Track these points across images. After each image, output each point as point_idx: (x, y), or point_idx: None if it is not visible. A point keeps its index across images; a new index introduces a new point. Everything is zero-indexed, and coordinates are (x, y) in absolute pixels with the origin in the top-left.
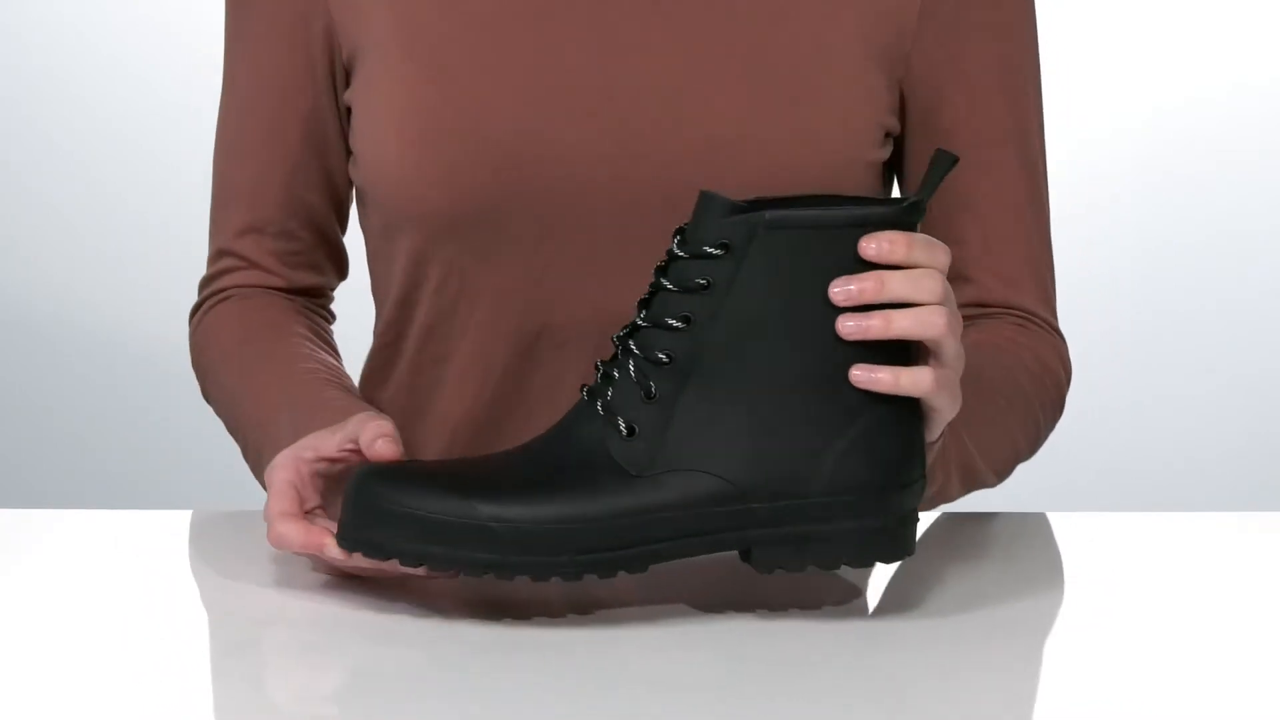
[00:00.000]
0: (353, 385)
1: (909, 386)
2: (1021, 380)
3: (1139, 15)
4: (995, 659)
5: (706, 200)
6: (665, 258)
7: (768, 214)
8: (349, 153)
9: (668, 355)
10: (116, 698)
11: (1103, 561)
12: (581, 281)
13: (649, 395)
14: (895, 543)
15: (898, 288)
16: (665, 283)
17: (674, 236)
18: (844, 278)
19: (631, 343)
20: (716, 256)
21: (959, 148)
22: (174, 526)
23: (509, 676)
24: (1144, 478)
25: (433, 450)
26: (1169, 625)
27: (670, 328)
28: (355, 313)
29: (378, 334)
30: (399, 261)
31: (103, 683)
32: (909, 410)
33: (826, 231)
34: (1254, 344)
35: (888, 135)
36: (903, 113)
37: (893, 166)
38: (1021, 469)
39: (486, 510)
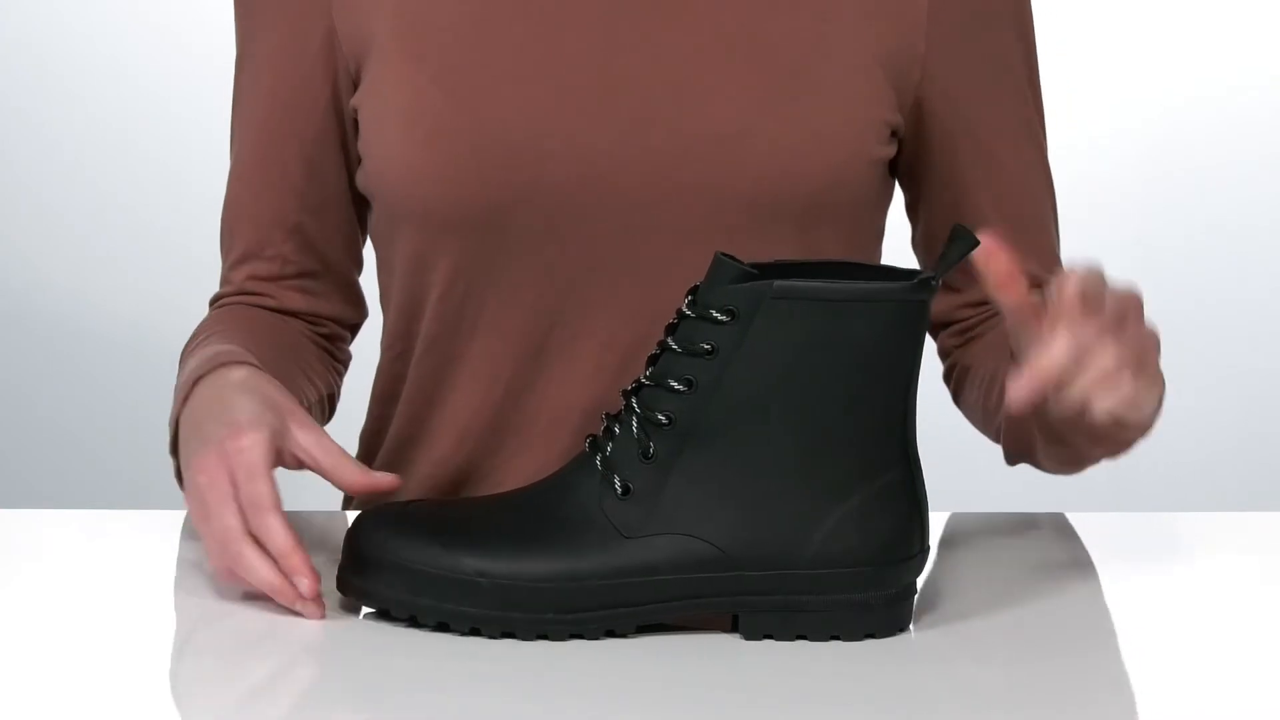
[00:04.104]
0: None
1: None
2: None
3: (1139, 14)
4: (995, 658)
5: (718, 264)
6: (676, 316)
7: (775, 283)
8: (357, 166)
9: (668, 417)
10: (116, 697)
11: (1103, 561)
12: (589, 277)
13: (647, 455)
14: (889, 619)
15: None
16: (672, 343)
17: (686, 296)
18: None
19: (635, 400)
20: (722, 322)
21: (977, 147)
22: (174, 527)
23: (506, 677)
24: (1144, 478)
25: (443, 449)
26: (1169, 625)
27: (673, 390)
28: (364, 325)
29: (385, 346)
30: (406, 264)
31: (102, 682)
32: (909, 484)
33: (834, 304)
34: (1253, 344)
35: (893, 134)
36: (919, 117)
37: (903, 171)
38: (1021, 470)
39: (473, 564)
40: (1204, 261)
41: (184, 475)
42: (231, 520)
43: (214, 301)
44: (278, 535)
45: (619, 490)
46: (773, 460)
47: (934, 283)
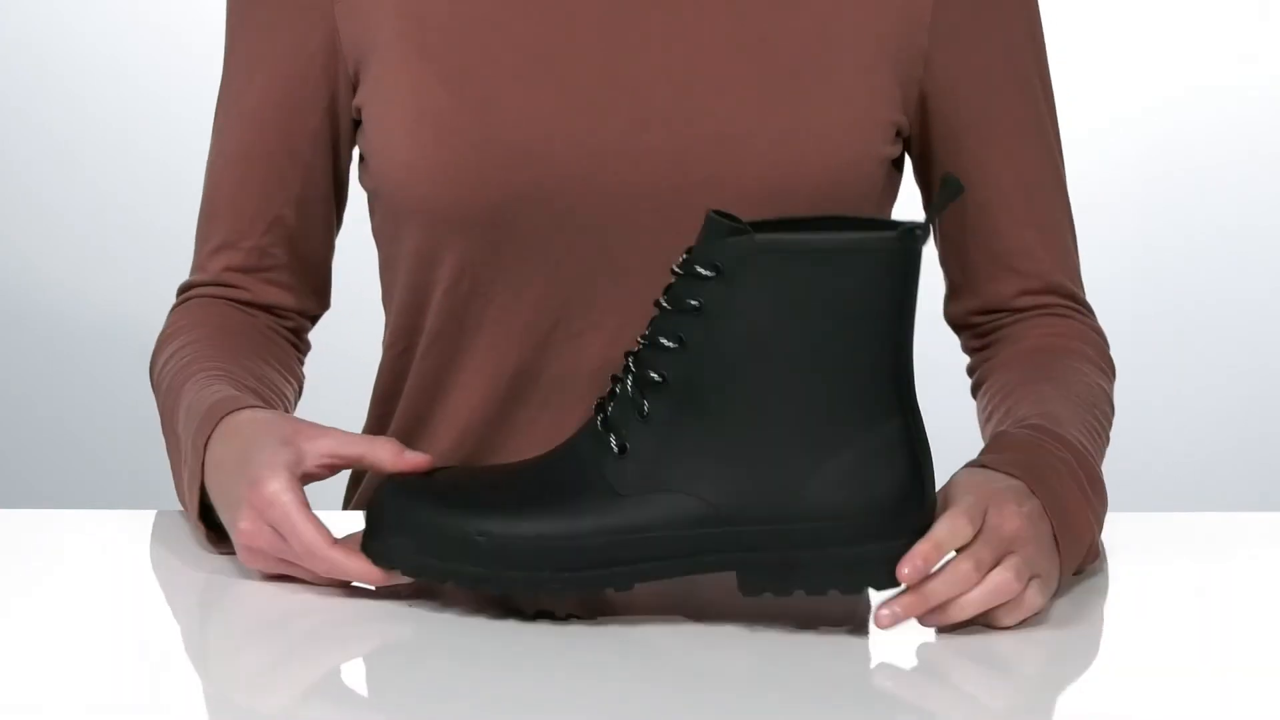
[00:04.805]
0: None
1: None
2: (1103, 405)
3: (1139, 13)
4: (996, 657)
5: (710, 222)
6: (671, 276)
7: (759, 237)
8: (347, 167)
9: (661, 375)
10: (116, 696)
11: (1103, 561)
12: (594, 274)
13: (642, 414)
14: (888, 572)
15: (941, 591)
16: (664, 302)
17: (682, 255)
18: (888, 608)
19: (631, 360)
20: (708, 278)
21: (983, 139)
22: (174, 526)
23: (506, 674)
24: (1144, 478)
25: (444, 446)
26: (1169, 625)
27: (665, 348)
28: (363, 324)
29: (388, 344)
30: (411, 261)
31: (102, 681)
32: (907, 437)
33: (820, 255)
34: (1253, 344)
35: (898, 133)
36: (923, 113)
37: (917, 168)
38: None
39: (474, 524)
40: (1204, 261)
41: (232, 539)
42: (295, 571)
43: (184, 289)
44: (353, 569)
45: (616, 449)
46: (766, 416)
47: (919, 231)
